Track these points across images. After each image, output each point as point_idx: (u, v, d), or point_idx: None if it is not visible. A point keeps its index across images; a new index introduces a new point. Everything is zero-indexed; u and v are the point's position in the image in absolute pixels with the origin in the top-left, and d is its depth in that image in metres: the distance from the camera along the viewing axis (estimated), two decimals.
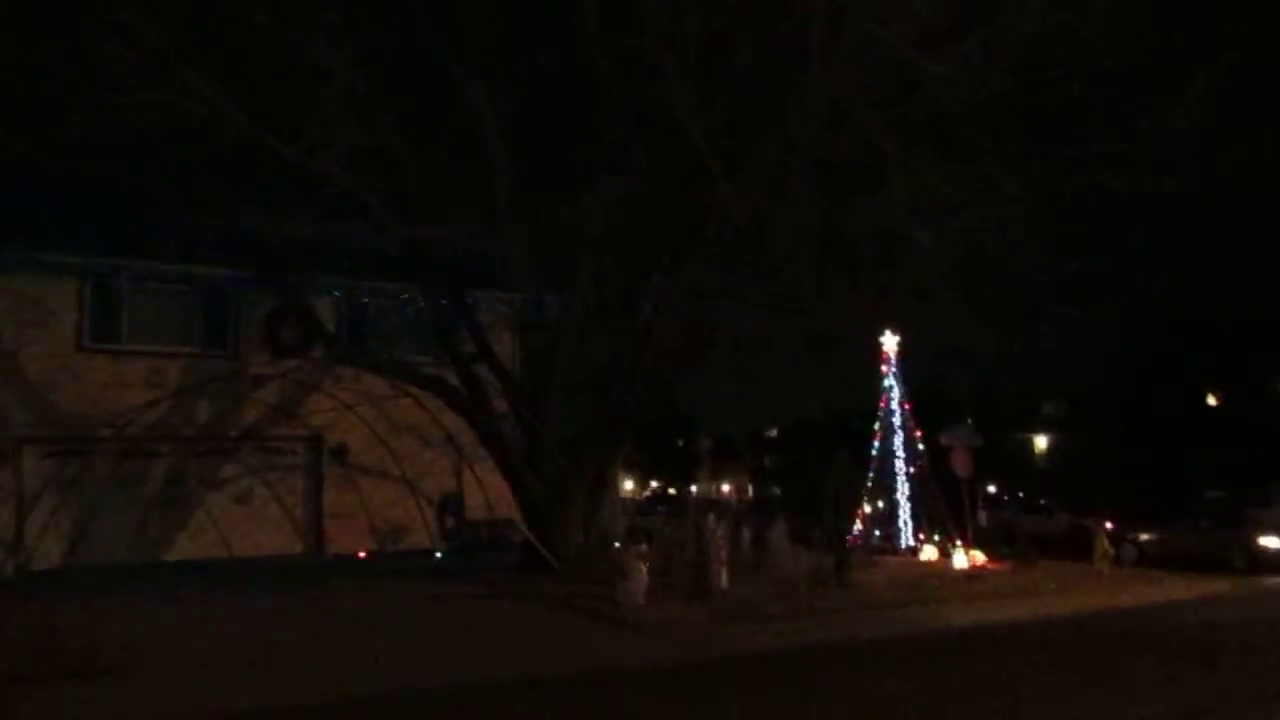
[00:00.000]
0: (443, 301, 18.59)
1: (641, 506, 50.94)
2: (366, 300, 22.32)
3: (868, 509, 24.26)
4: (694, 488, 79.53)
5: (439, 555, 20.50)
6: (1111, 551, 21.72)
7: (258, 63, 13.71)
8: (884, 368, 24.33)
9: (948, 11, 12.99)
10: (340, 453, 21.82)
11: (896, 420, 24.07)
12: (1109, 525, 22.98)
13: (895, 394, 24.18)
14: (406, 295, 20.85)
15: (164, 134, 13.74)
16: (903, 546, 23.71)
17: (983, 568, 20.40)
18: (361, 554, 20.53)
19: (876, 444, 24.53)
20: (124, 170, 13.82)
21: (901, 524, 24.14)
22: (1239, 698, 8.50)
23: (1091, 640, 12.66)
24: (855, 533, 23.80)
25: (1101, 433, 54.87)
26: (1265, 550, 22.45)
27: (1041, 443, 66.66)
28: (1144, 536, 24.34)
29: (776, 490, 63.66)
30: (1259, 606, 16.45)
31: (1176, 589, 18.39)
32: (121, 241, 18.71)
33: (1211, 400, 55.76)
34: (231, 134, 13.93)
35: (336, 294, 21.65)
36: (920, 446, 24.06)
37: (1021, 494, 43.31)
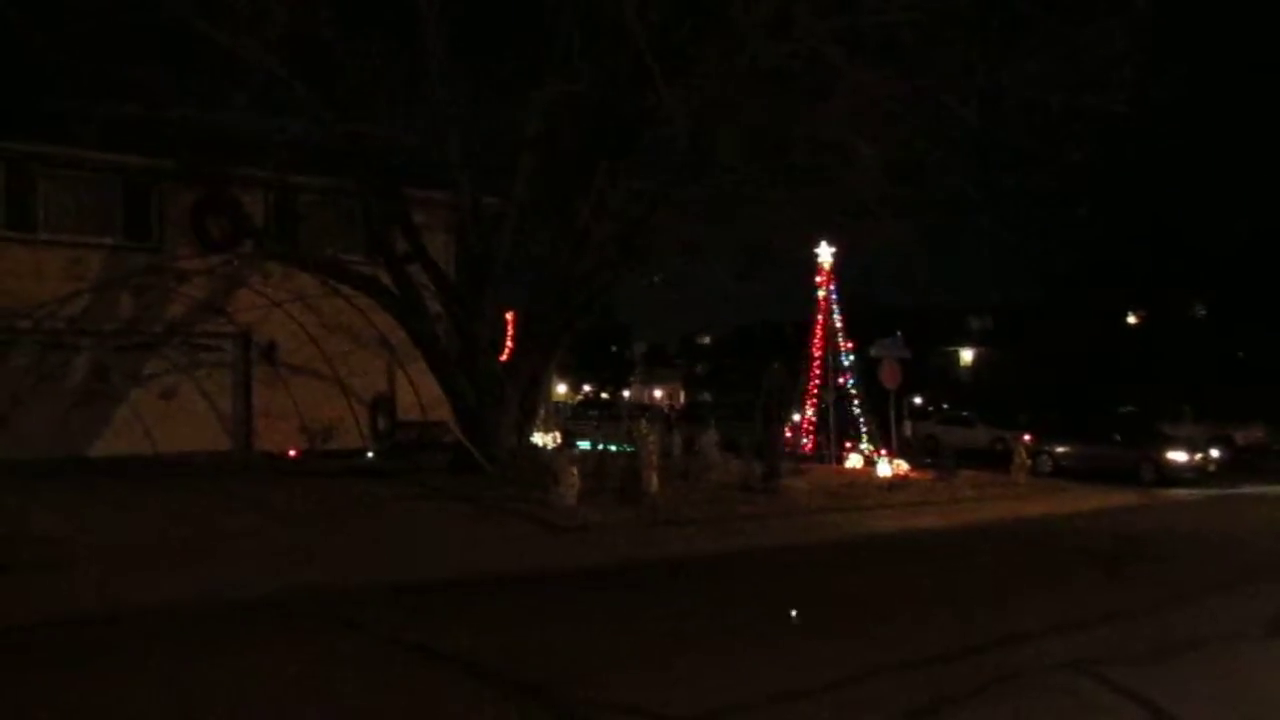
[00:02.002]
0: (376, 199, 18.19)
1: (574, 410, 51.24)
2: (298, 195, 21.75)
3: (797, 417, 24.69)
4: (626, 393, 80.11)
5: (370, 455, 20.46)
6: (1029, 463, 22.52)
7: None
8: (818, 279, 24.55)
9: None
10: (269, 351, 21.48)
11: (828, 331, 24.39)
12: (1027, 438, 23.78)
13: (829, 305, 24.45)
14: (339, 191, 20.35)
15: (85, 8, 13.07)
16: (828, 455, 24.25)
17: (905, 477, 20.99)
18: (292, 453, 20.38)
19: (810, 354, 24.89)
20: (42, 47, 13.14)
21: (829, 433, 24.66)
22: (1140, 603, 8.93)
23: (1001, 548, 13.19)
24: (785, 439, 24.25)
25: (1025, 349, 56.30)
26: (1173, 464, 23.46)
27: (967, 356, 68.21)
28: (1060, 449, 25.25)
29: (708, 397, 64.34)
30: (1164, 517, 17.23)
31: (1088, 500, 19.17)
32: (39, 125, 17.89)
33: (1131, 319, 57.39)
34: (158, 11, 13.30)
35: (266, 187, 21.04)
36: (850, 358, 24.47)
37: (946, 406, 44.46)
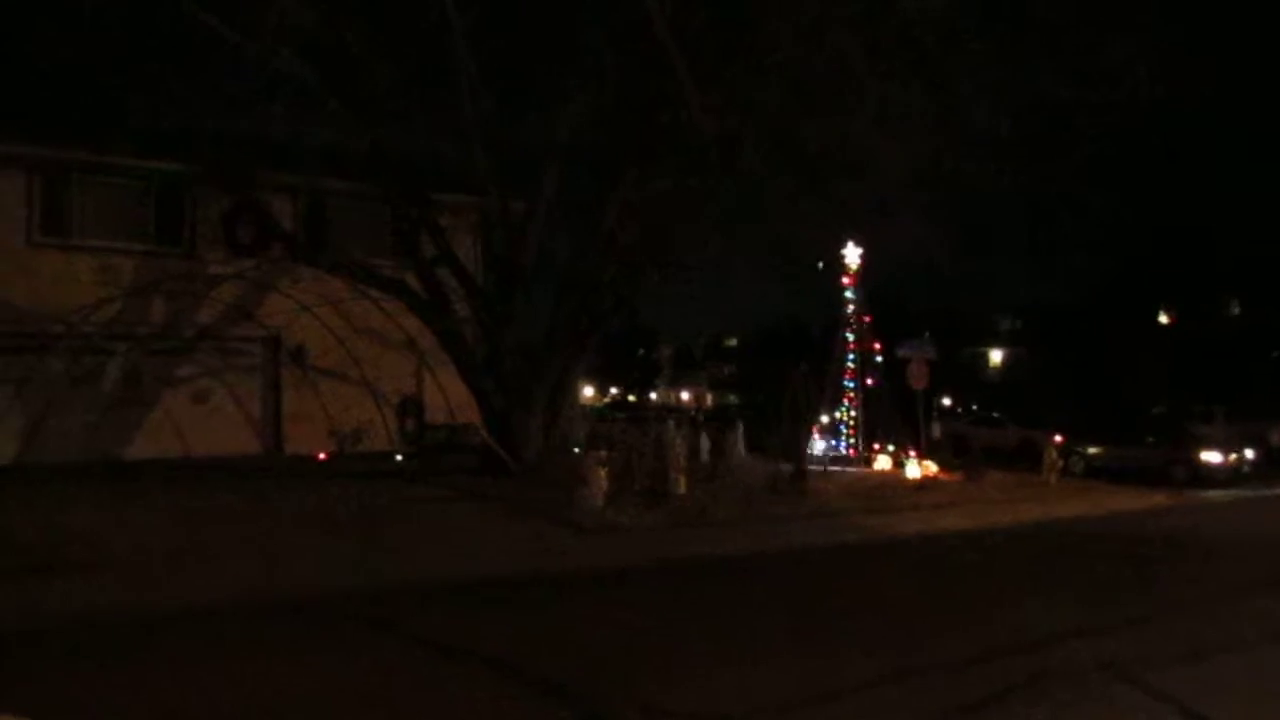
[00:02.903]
0: (404, 203, 18.30)
1: (601, 413, 51.27)
2: (327, 200, 21.91)
3: (825, 419, 24.60)
4: (653, 395, 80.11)
5: (399, 458, 20.55)
6: (1060, 464, 22.31)
7: None
8: (845, 280, 24.46)
9: None
10: (299, 354, 21.65)
11: (856, 332, 24.31)
12: (1058, 439, 23.57)
13: (855, 307, 24.37)
14: (368, 196, 20.49)
15: (119, 21, 13.24)
16: (857, 456, 24.15)
17: (934, 478, 20.87)
18: (321, 455, 20.52)
19: (837, 356, 24.81)
20: (76, 59, 13.32)
21: (858, 435, 24.56)
22: (1174, 605, 8.85)
23: (1030, 549, 13.09)
24: (813, 442, 24.19)
25: (1055, 348, 55.81)
26: (1206, 465, 23.17)
27: (996, 357, 67.75)
28: (1091, 450, 24.99)
29: (735, 399, 64.21)
30: (1197, 518, 17.03)
31: (1119, 501, 18.98)
32: (73, 133, 18.12)
33: (1163, 319, 56.77)
34: (188, 22, 13.44)
35: (295, 192, 21.22)
36: (879, 359, 24.37)
37: (975, 407, 44.14)
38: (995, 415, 37.32)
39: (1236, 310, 54.36)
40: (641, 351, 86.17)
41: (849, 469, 22.64)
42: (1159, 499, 19.64)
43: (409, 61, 15.62)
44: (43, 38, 12.72)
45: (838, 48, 14.05)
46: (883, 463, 23.09)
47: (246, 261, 20.52)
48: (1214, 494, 21.11)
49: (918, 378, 23.47)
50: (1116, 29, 13.76)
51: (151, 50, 13.90)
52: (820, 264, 23.09)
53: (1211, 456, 23.42)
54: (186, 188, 20.19)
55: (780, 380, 24.77)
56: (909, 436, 23.21)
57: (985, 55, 14.16)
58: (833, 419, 24.71)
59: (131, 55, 13.81)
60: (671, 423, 21.12)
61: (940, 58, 14.17)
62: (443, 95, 16.41)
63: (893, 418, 23.61)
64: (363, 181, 19.02)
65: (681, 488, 15.52)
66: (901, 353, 24.80)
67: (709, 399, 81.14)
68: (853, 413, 24.61)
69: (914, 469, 21.31)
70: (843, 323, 24.67)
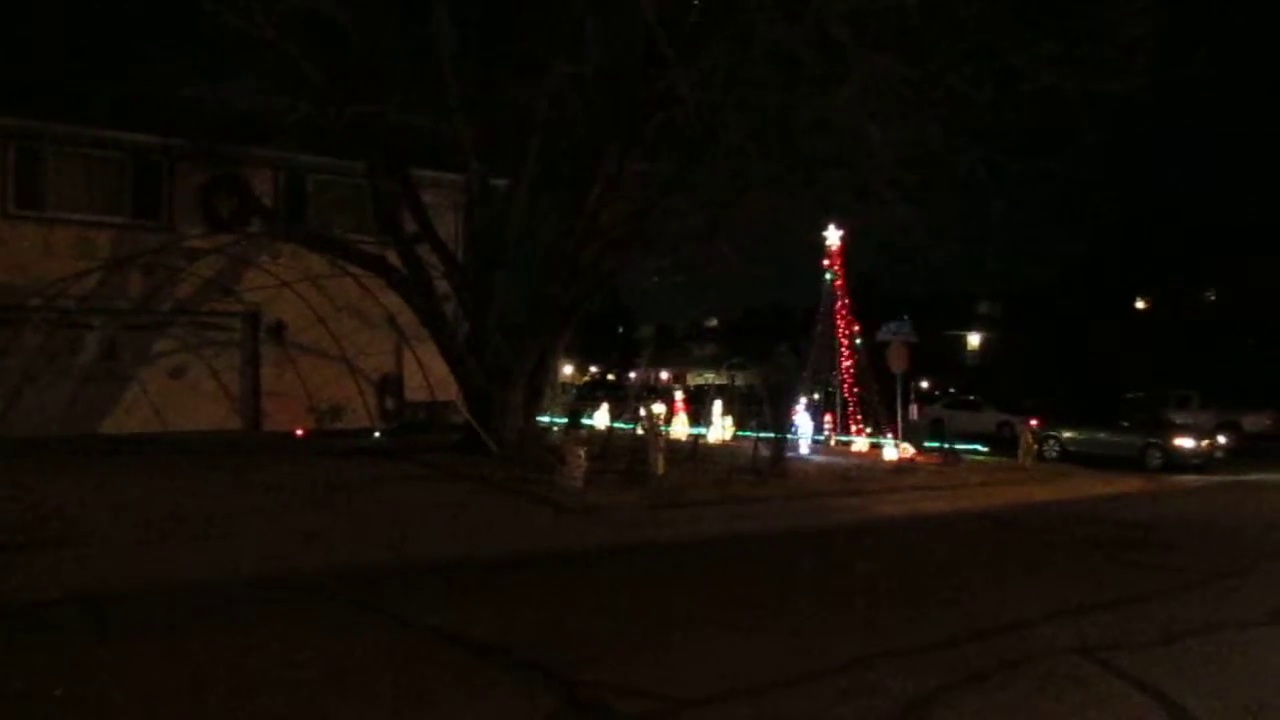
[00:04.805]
0: (385, 179, 18.19)
1: (580, 391, 51.26)
2: (307, 175, 21.75)
3: (804, 401, 24.72)
4: (633, 375, 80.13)
5: (378, 435, 20.54)
6: (1036, 448, 22.53)
7: None
8: (825, 262, 24.52)
9: None
10: (278, 330, 21.55)
11: (835, 314, 24.39)
12: (1035, 423, 23.79)
13: (836, 289, 24.44)
14: (348, 171, 20.34)
15: None
16: (836, 438, 24.29)
17: (912, 461, 21.03)
18: (299, 432, 20.47)
19: (816, 337, 24.91)
20: (52, 29, 13.14)
21: (837, 417, 24.69)
22: (1146, 590, 8.95)
23: (1005, 534, 13.21)
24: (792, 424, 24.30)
25: (1033, 333, 56.22)
26: (1180, 450, 23.46)
27: (975, 340, 68.13)
28: (1067, 435, 25.26)
29: (714, 379, 64.23)
30: (1170, 504, 17.22)
31: (1094, 486, 19.18)
32: (49, 102, 17.91)
33: (1140, 305, 57.24)
34: None
35: (275, 167, 21.05)
36: (858, 341, 24.48)
37: (953, 390, 44.44)
38: (973, 399, 37.62)
39: (1212, 297, 54.87)
40: (621, 330, 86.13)
41: (828, 452, 22.76)
42: (1133, 484, 19.85)
43: (389, 28, 15.47)
44: (15, 6, 12.52)
45: (819, 16, 14.01)
46: (861, 445, 23.23)
47: (225, 236, 20.37)
48: (1188, 479, 21.35)
49: (897, 361, 23.60)
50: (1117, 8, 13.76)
51: (129, 18, 13.73)
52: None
53: (1186, 442, 23.68)
54: (164, 161, 20.00)
55: (760, 361, 24.84)
56: (888, 419, 23.37)
57: (973, 29, 14.13)
58: (812, 400, 24.83)
59: (110, 24, 13.66)
60: (652, 404, 21.17)
61: (925, 29, 14.13)
62: (424, 66, 16.28)
63: (872, 400, 23.74)
64: (343, 156, 18.90)
65: (661, 468, 15.56)
66: (881, 336, 24.94)
67: (688, 379, 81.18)
68: (832, 394, 24.74)
69: (892, 451, 21.46)
70: (822, 304, 24.75)
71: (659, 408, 20.32)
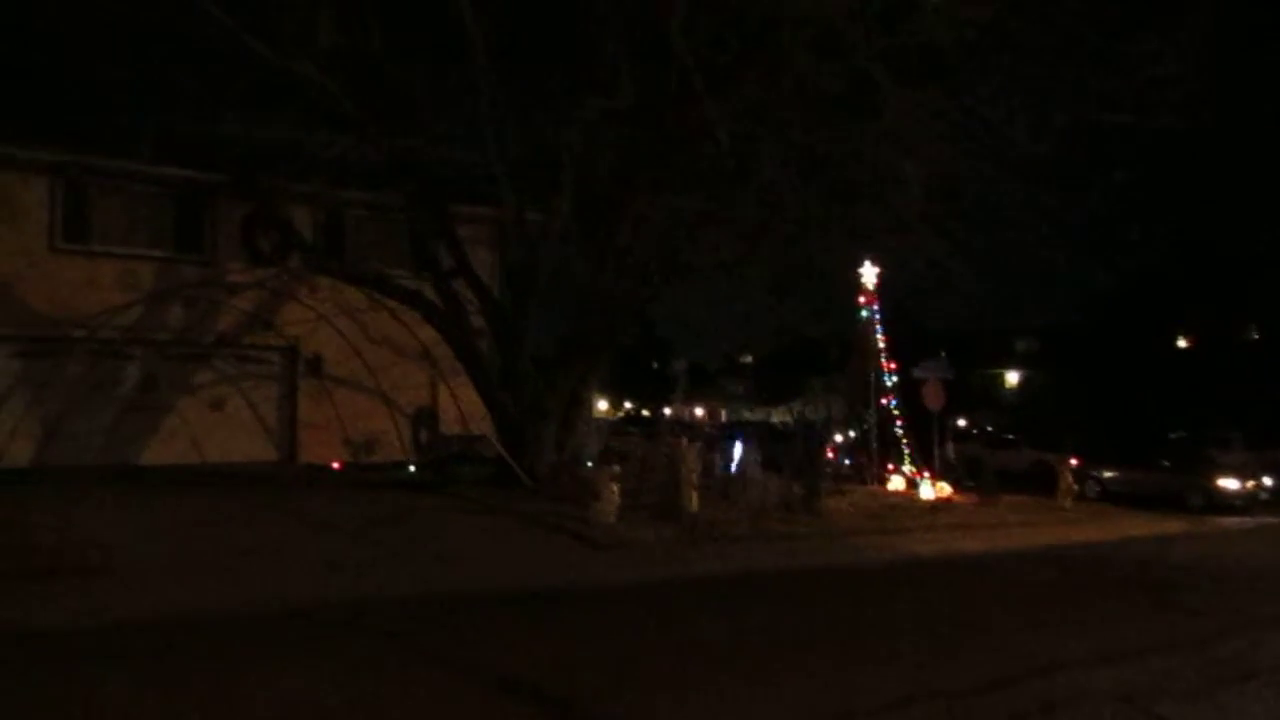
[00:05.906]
0: (422, 214, 18.36)
1: (615, 427, 51.19)
2: (345, 210, 22.00)
3: (839, 438, 24.52)
4: (667, 410, 79.94)
5: (412, 468, 20.56)
6: (1075, 488, 22.16)
7: None
8: (861, 299, 24.40)
9: None
10: (315, 363, 21.71)
11: (871, 351, 24.23)
12: (1074, 462, 23.40)
13: (871, 325, 24.30)
14: (386, 206, 20.56)
15: (139, 29, 13.35)
16: (871, 476, 24.04)
17: (948, 499, 20.75)
18: (335, 464, 20.55)
19: (851, 374, 24.74)
20: (98, 66, 13.44)
21: (872, 454, 24.45)
22: (1189, 634, 8.75)
23: (1045, 574, 12.97)
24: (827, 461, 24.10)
25: (1071, 371, 55.47)
26: (1223, 491, 22.97)
27: (1012, 378, 67.34)
28: (1107, 474, 24.83)
29: (749, 415, 64.01)
30: (1213, 545, 16.87)
31: (1135, 526, 18.83)
32: (95, 140, 18.28)
33: (1181, 343, 56.42)
34: (208, 30, 13.54)
35: (314, 202, 21.32)
36: (894, 378, 24.29)
37: (990, 428, 43.89)
38: (1010, 437, 37.08)
39: (1255, 335, 53.93)
40: (656, 365, 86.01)
41: (863, 488, 22.53)
42: (1175, 525, 19.47)
43: (426, 64, 15.67)
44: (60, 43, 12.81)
45: (853, 54, 14.04)
46: (897, 483, 22.98)
47: (265, 270, 20.60)
48: (1230, 521, 20.91)
49: (933, 398, 23.37)
50: (1160, 37, 13.69)
51: (173, 57, 14.00)
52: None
53: (1228, 483, 23.21)
54: (206, 195, 20.31)
55: (794, 397, 24.70)
56: (923, 457, 23.11)
57: (1009, 65, 14.11)
58: (847, 437, 24.62)
59: (154, 62, 13.94)
60: (685, 438, 21.06)
61: (962, 67, 14.12)
62: (460, 100, 16.47)
63: (908, 438, 23.51)
64: (381, 190, 19.08)
65: (694, 504, 15.45)
66: (917, 373, 24.70)
67: (723, 414, 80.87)
68: (868, 432, 24.52)
69: (928, 490, 21.20)
70: (858, 341, 24.60)
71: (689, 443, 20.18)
